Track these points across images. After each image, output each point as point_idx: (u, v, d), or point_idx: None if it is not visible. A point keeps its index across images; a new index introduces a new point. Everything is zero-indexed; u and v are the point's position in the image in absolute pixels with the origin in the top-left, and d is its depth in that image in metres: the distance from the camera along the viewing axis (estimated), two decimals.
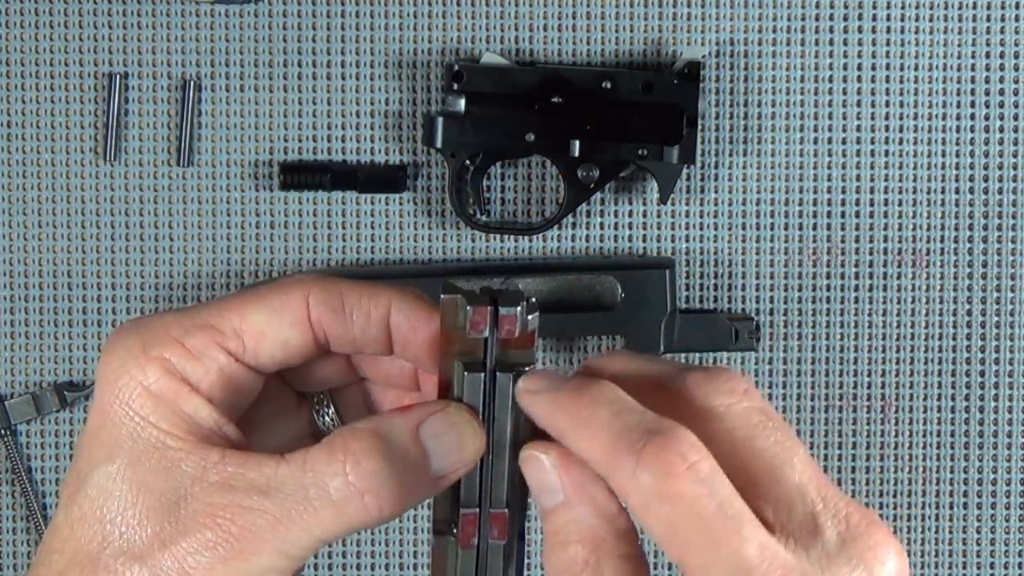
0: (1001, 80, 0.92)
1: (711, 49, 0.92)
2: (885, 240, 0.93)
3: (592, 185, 0.90)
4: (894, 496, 0.93)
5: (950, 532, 0.94)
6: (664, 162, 0.90)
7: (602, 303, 0.91)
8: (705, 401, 0.52)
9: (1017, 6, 0.92)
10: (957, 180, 0.93)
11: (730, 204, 0.93)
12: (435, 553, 0.56)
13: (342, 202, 0.93)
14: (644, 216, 0.93)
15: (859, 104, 0.92)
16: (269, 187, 0.93)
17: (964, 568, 0.94)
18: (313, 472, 0.54)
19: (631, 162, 0.90)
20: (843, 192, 0.93)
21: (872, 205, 0.93)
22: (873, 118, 0.92)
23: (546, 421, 0.53)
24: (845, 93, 0.92)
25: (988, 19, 0.92)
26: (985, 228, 0.93)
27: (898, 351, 0.93)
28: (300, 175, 0.92)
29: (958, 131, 0.92)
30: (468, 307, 0.54)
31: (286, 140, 0.92)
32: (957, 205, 0.93)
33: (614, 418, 0.51)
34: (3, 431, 0.92)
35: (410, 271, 0.92)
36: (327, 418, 0.61)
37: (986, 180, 0.93)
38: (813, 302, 0.93)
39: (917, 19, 0.92)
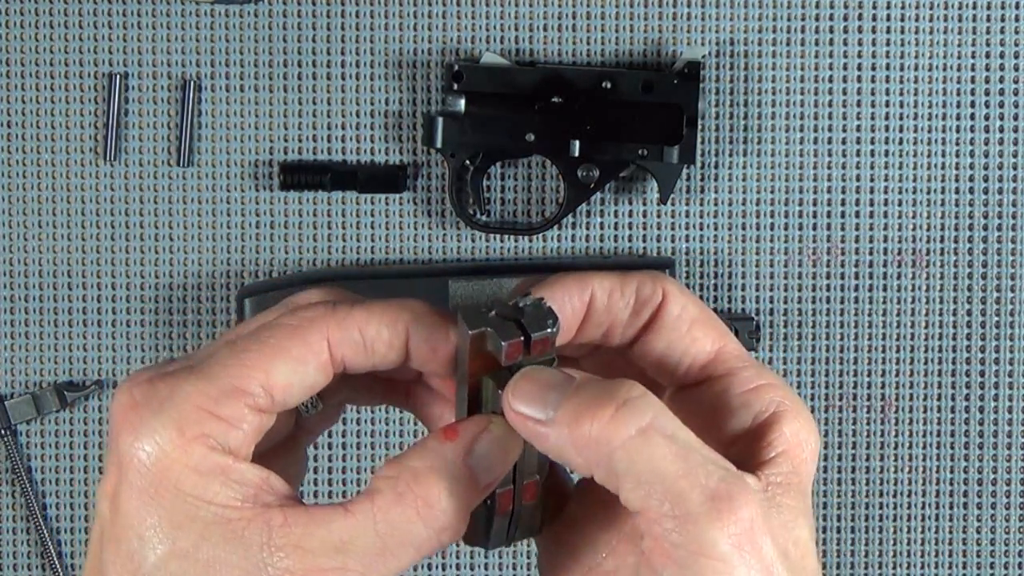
0: (1001, 80, 0.92)
1: (711, 49, 0.92)
2: (885, 240, 0.93)
3: (592, 185, 0.90)
4: (894, 496, 0.93)
5: (950, 532, 0.94)
6: (664, 162, 0.90)
7: None
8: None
9: (1017, 6, 0.92)
10: (957, 180, 0.93)
11: (730, 204, 0.93)
12: (472, 517, 0.57)
13: (342, 202, 0.93)
14: (644, 216, 0.93)
15: (859, 104, 0.92)
16: (269, 187, 0.93)
17: (964, 568, 0.94)
18: (387, 522, 0.54)
19: (631, 162, 0.90)
20: (843, 192, 0.93)
21: (872, 205, 0.93)
22: (873, 118, 0.92)
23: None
24: (845, 93, 0.92)
25: (988, 19, 0.92)
26: (985, 228, 0.93)
27: (898, 351, 0.93)
28: (300, 175, 0.92)
29: (958, 131, 0.92)
30: (503, 343, 0.55)
31: (286, 140, 0.92)
32: (957, 205, 0.93)
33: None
34: (3, 431, 0.92)
35: (410, 271, 0.92)
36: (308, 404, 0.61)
37: (986, 180, 0.93)
38: (813, 302, 0.93)
39: (917, 19, 0.92)
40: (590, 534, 0.59)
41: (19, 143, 0.92)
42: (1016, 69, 0.92)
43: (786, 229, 0.93)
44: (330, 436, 0.93)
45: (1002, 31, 0.92)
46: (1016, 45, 0.92)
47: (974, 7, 0.92)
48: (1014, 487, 0.94)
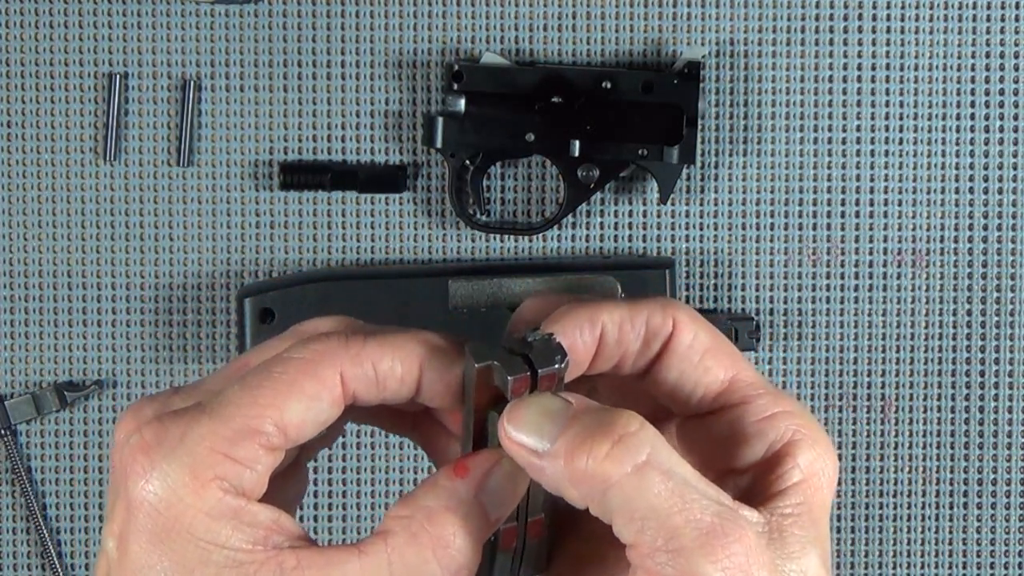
0: (1001, 80, 0.92)
1: (711, 49, 0.92)
2: (885, 240, 0.93)
3: (592, 185, 0.90)
4: (894, 496, 0.93)
5: (950, 532, 0.94)
6: (664, 162, 0.90)
7: None
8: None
9: (1017, 6, 0.92)
10: (957, 180, 0.93)
11: (730, 204, 0.93)
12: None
13: (342, 202, 0.93)
14: (644, 216, 0.93)
15: (859, 104, 0.92)
16: (269, 187, 0.93)
17: (964, 568, 0.94)
18: (402, 563, 0.54)
19: (631, 162, 0.90)
20: (843, 192, 0.93)
21: (872, 205, 0.93)
22: (873, 118, 0.92)
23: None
24: (845, 93, 0.92)
25: (988, 19, 0.92)
26: (985, 228, 0.93)
27: (898, 351, 0.93)
28: (300, 175, 0.92)
29: (958, 131, 0.92)
30: (509, 378, 0.55)
31: (286, 140, 0.92)
32: (957, 205, 0.93)
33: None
34: (3, 431, 0.92)
35: (410, 271, 0.92)
36: None
37: (986, 180, 0.93)
38: (813, 302, 0.93)
39: (917, 19, 0.92)
40: (601, 552, 0.58)
41: (19, 143, 0.92)
42: (1016, 69, 0.92)
43: (786, 229, 0.93)
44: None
45: (1002, 31, 0.92)
46: (1016, 45, 0.92)
47: (974, 7, 0.92)
48: (1014, 487, 0.94)
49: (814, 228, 0.93)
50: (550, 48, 0.92)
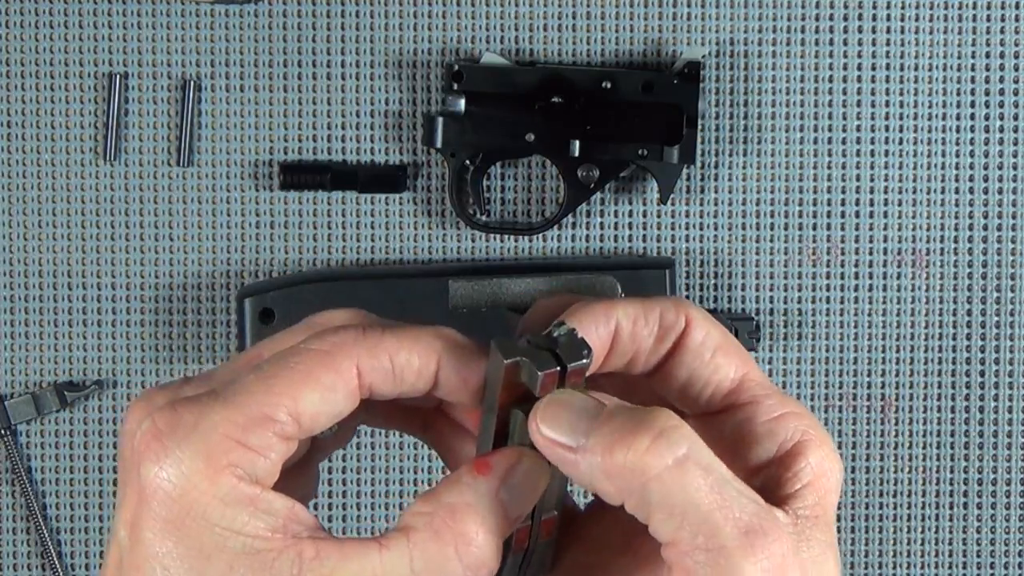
0: (1001, 80, 0.92)
1: (711, 49, 0.92)
2: (885, 240, 0.93)
3: (592, 185, 0.90)
4: (894, 496, 0.93)
5: (950, 532, 0.94)
6: (664, 162, 0.90)
7: None
8: None
9: (1017, 6, 0.92)
10: (957, 180, 0.93)
11: (730, 204, 0.93)
12: None
13: (342, 202, 0.93)
14: (644, 216, 0.93)
15: (859, 104, 0.92)
16: (269, 187, 0.93)
17: (964, 568, 0.94)
18: (423, 559, 0.54)
19: (631, 162, 0.90)
20: (843, 192, 0.93)
21: (872, 205, 0.93)
22: (873, 118, 0.92)
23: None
24: (845, 93, 0.92)
25: (988, 19, 0.92)
26: (985, 228, 0.93)
27: (898, 351, 0.93)
28: (300, 175, 0.92)
29: (958, 131, 0.92)
30: (540, 373, 0.55)
31: (286, 140, 0.92)
32: (957, 205, 0.93)
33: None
34: (3, 431, 0.92)
35: (410, 271, 0.92)
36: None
37: (986, 180, 0.93)
38: (813, 302, 0.93)
39: (917, 19, 0.92)
40: (606, 560, 0.58)
41: (19, 143, 0.92)
42: (1016, 69, 0.92)
43: (786, 229, 0.93)
44: None
45: (1002, 31, 0.92)
46: (1016, 45, 0.92)
47: (974, 7, 0.92)
48: (1014, 487, 0.94)
49: (814, 228, 0.93)
50: (550, 48, 0.92)
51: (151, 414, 0.54)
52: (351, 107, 0.92)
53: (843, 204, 0.93)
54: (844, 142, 0.92)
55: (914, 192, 0.93)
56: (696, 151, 0.90)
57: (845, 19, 0.92)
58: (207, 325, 0.93)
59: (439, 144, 0.90)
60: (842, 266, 0.93)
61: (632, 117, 0.89)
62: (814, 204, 0.93)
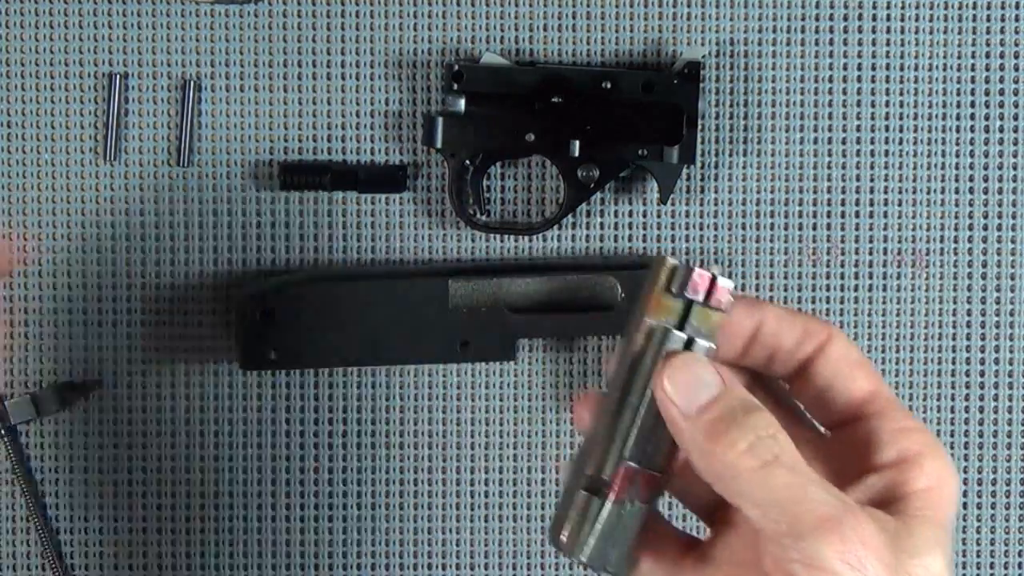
0: (1001, 80, 0.92)
1: (711, 49, 0.92)
2: (885, 240, 0.93)
3: (592, 185, 0.90)
4: None
5: None
6: (664, 162, 0.90)
7: (602, 303, 0.91)
8: None
9: (1017, 6, 0.92)
10: (957, 180, 0.93)
11: (730, 204, 0.93)
12: (577, 508, 0.61)
13: (342, 202, 0.93)
14: (644, 216, 0.93)
15: (859, 104, 0.92)
16: (269, 187, 0.93)
17: (964, 568, 0.94)
18: None
19: (631, 162, 0.90)
20: (843, 192, 0.93)
21: (872, 205, 0.93)
22: (873, 118, 0.92)
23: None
24: (845, 93, 0.92)
25: (988, 19, 0.92)
26: (985, 228, 0.93)
27: (898, 351, 0.93)
28: (300, 175, 0.92)
29: (958, 131, 0.92)
30: (696, 268, 0.60)
31: (286, 140, 0.92)
32: (957, 205, 0.93)
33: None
34: (3, 431, 0.92)
35: (410, 271, 0.92)
36: None
37: (986, 180, 0.93)
38: (813, 302, 0.93)
39: (917, 19, 0.92)
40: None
41: (19, 143, 0.92)
42: (1016, 69, 0.92)
43: (786, 229, 0.93)
44: (330, 437, 0.93)
45: (1002, 31, 0.92)
46: (1016, 45, 0.92)
47: (974, 7, 0.92)
48: (1014, 487, 0.94)
49: (814, 228, 0.93)
50: (550, 48, 0.92)
51: None
52: (351, 107, 0.92)
53: (843, 204, 0.93)
54: (844, 142, 0.92)
55: (914, 192, 0.93)
56: (696, 151, 0.90)
57: (845, 19, 0.92)
58: (207, 325, 0.93)
59: (439, 144, 0.90)
60: (842, 266, 0.93)
61: (632, 117, 0.89)
62: (814, 204, 0.93)
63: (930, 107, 0.92)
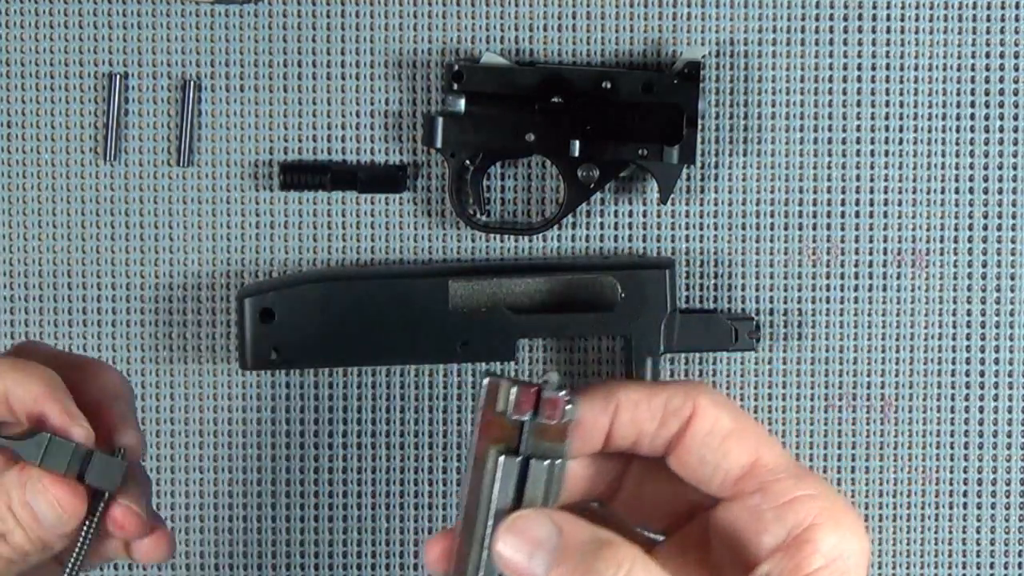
0: (1001, 80, 0.92)
1: (711, 49, 0.92)
2: (885, 240, 0.93)
3: (592, 185, 0.90)
4: (894, 496, 0.93)
5: (950, 532, 0.94)
6: (664, 162, 0.90)
7: (602, 303, 0.91)
8: None
9: (1017, 6, 0.92)
10: (957, 180, 0.93)
11: (730, 204, 0.93)
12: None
13: (342, 202, 0.93)
14: (644, 216, 0.93)
15: (859, 104, 0.92)
16: (269, 187, 0.93)
17: (964, 568, 0.94)
18: None
19: (631, 162, 0.90)
20: (843, 192, 0.93)
21: (872, 205, 0.93)
22: (873, 118, 0.92)
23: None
24: (845, 93, 0.92)
25: (988, 19, 0.92)
26: (985, 228, 0.93)
27: (898, 351, 0.93)
28: (300, 175, 0.92)
29: (958, 131, 0.92)
30: (514, 388, 0.56)
31: (286, 140, 0.92)
32: (957, 205, 0.93)
33: None
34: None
35: (410, 271, 0.92)
36: None
37: (986, 180, 0.93)
38: (813, 302, 0.93)
39: (917, 19, 0.92)
40: None
41: (19, 143, 0.92)
42: (1016, 69, 0.92)
43: (786, 229, 0.93)
44: (330, 437, 0.93)
45: (1002, 31, 0.92)
46: (1016, 45, 0.92)
47: (974, 7, 0.92)
48: (1014, 487, 0.94)
49: (814, 228, 0.93)
50: (550, 48, 0.92)
51: None
52: (351, 107, 0.92)
53: (843, 204, 0.93)
54: (844, 142, 0.92)
55: (914, 192, 0.93)
56: (696, 151, 0.90)
57: (845, 19, 0.92)
58: (207, 325, 0.93)
59: (439, 144, 0.90)
60: (842, 266, 0.93)
61: (632, 117, 0.89)
62: (814, 204, 0.93)
63: (930, 107, 0.92)
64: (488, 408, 0.57)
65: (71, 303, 0.93)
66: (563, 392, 0.57)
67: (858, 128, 0.92)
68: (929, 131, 0.92)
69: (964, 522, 0.93)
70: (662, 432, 0.60)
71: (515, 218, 0.93)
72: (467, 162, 0.91)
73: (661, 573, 0.56)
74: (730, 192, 0.93)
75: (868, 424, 0.93)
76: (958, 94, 0.92)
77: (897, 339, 0.93)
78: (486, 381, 0.56)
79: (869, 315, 0.93)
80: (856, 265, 0.93)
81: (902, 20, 0.92)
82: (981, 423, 0.93)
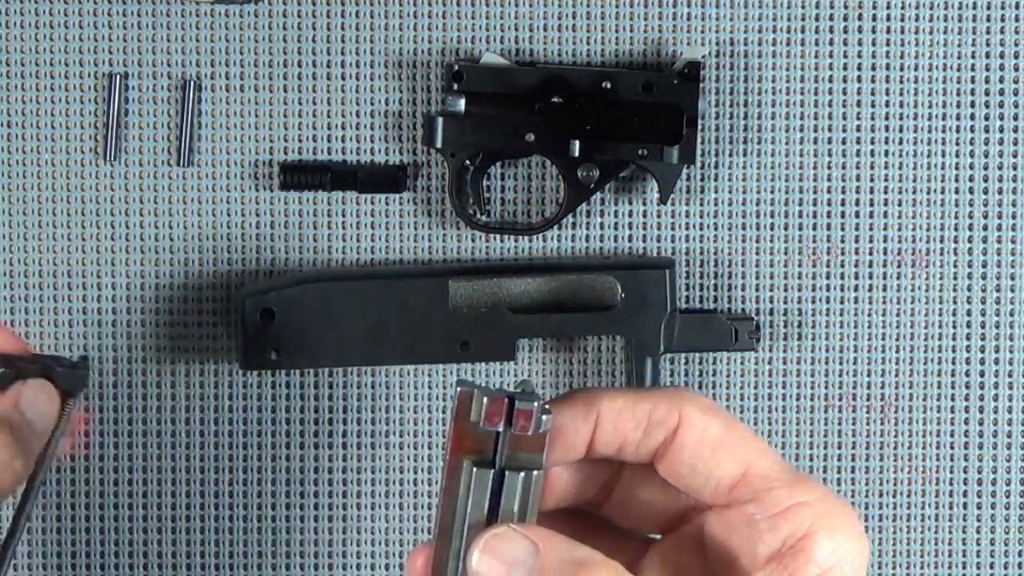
0: (1001, 80, 0.92)
1: (711, 49, 0.92)
2: (885, 240, 0.93)
3: (592, 185, 0.90)
4: (894, 496, 0.93)
5: (950, 532, 0.94)
6: (664, 162, 0.90)
7: (602, 303, 0.91)
8: None
9: (1017, 6, 0.92)
10: (957, 180, 0.93)
11: (730, 204, 0.93)
12: None
13: (342, 202, 0.93)
14: (644, 216, 0.93)
15: (859, 104, 0.92)
16: (269, 187, 0.93)
17: (964, 568, 0.94)
18: None
19: (631, 162, 0.90)
20: (843, 192, 0.93)
21: (872, 205, 0.93)
22: (873, 118, 0.92)
23: None
24: (845, 93, 0.92)
25: (988, 19, 0.92)
26: (985, 228, 0.93)
27: (898, 351, 0.93)
28: (300, 175, 0.92)
29: (958, 131, 0.92)
30: (485, 398, 0.55)
31: (286, 140, 0.92)
32: (957, 205, 0.93)
33: None
34: None
35: (410, 271, 0.92)
36: None
37: (986, 180, 0.93)
38: (813, 302, 0.93)
39: (917, 19, 0.92)
40: None
41: (19, 143, 0.92)
42: (1016, 69, 0.92)
43: (786, 229, 0.93)
44: (330, 437, 0.93)
45: (1002, 31, 0.92)
46: (1016, 45, 0.92)
47: (974, 7, 0.92)
48: (1014, 487, 0.94)
49: (814, 228, 0.93)
50: (550, 48, 0.92)
51: None
52: (351, 107, 0.92)
53: (843, 204, 0.93)
54: (844, 142, 0.92)
55: (914, 192, 0.93)
56: (696, 151, 0.90)
57: (845, 19, 0.92)
58: (207, 325, 0.93)
59: (439, 144, 0.90)
60: (842, 266, 0.93)
61: (632, 117, 0.89)
62: (814, 204, 0.93)
63: (930, 107, 0.92)
64: (460, 418, 0.55)
65: (71, 303, 0.93)
66: (536, 403, 0.55)
67: (858, 128, 0.92)
68: (929, 131, 0.92)
69: (964, 522, 0.93)
70: (647, 442, 0.59)
71: (515, 218, 0.93)
72: (467, 162, 0.91)
73: None
74: (730, 192, 0.93)
75: (868, 424, 0.93)
76: (958, 94, 0.92)
77: (897, 339, 0.93)
78: (457, 390, 0.55)
79: (869, 315, 0.93)
80: (856, 265, 0.93)
81: (902, 20, 0.92)
82: (981, 423, 0.93)
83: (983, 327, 0.93)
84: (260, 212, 0.93)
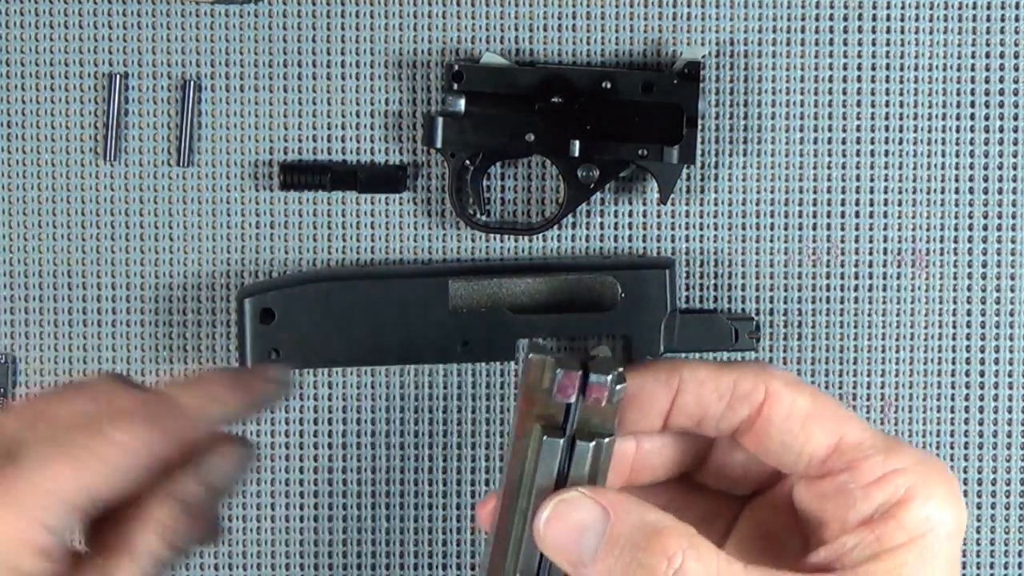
0: (1001, 80, 0.92)
1: (711, 49, 0.92)
2: (885, 240, 0.93)
3: (592, 185, 0.90)
4: None
5: None
6: (664, 162, 0.90)
7: (602, 303, 0.91)
8: None
9: (1017, 6, 0.92)
10: (957, 180, 0.93)
11: (730, 204, 0.93)
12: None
13: (342, 202, 0.93)
14: (644, 216, 0.93)
15: (859, 104, 0.92)
16: (269, 187, 0.93)
17: (964, 568, 0.94)
18: None
19: (631, 162, 0.90)
20: (843, 192, 0.93)
21: (872, 205, 0.93)
22: (873, 118, 0.92)
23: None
24: (845, 93, 0.92)
25: (988, 19, 0.92)
26: (985, 228, 0.93)
27: (898, 351, 0.93)
28: (300, 175, 0.92)
29: (958, 131, 0.92)
30: (559, 370, 0.54)
31: (286, 140, 0.92)
32: (957, 205, 0.93)
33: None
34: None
35: (410, 271, 0.92)
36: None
37: (986, 180, 0.93)
38: (813, 302, 0.93)
39: (917, 19, 0.92)
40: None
41: (19, 143, 0.92)
42: (1016, 69, 0.92)
43: (786, 229, 0.93)
44: (330, 437, 0.93)
45: (1002, 31, 0.92)
46: (1016, 45, 0.92)
47: (974, 7, 0.92)
48: (1014, 487, 0.94)
49: (814, 228, 0.93)
50: (550, 48, 0.92)
51: None
52: (351, 107, 0.92)
53: (843, 204, 0.93)
54: (844, 142, 0.92)
55: (914, 192, 0.93)
56: (696, 151, 0.90)
57: (845, 19, 0.92)
58: (207, 325, 0.93)
59: (439, 144, 0.90)
60: (842, 266, 0.93)
61: (632, 117, 0.89)
62: (814, 204, 0.93)
63: (930, 107, 0.92)
64: (530, 384, 0.54)
65: (71, 303, 0.93)
66: (611, 375, 0.54)
67: (858, 128, 0.92)
68: (929, 131, 0.92)
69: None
70: (729, 415, 0.58)
71: (515, 218, 0.93)
72: (467, 162, 0.91)
73: (715, 559, 0.54)
74: (730, 192, 0.93)
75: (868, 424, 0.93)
76: (958, 94, 0.92)
77: (897, 339, 0.93)
78: (529, 356, 0.54)
79: (869, 315, 0.93)
80: (856, 265, 0.93)
81: (902, 20, 0.92)
82: (981, 423, 0.93)
83: (983, 327, 0.93)
84: (260, 212, 0.93)
